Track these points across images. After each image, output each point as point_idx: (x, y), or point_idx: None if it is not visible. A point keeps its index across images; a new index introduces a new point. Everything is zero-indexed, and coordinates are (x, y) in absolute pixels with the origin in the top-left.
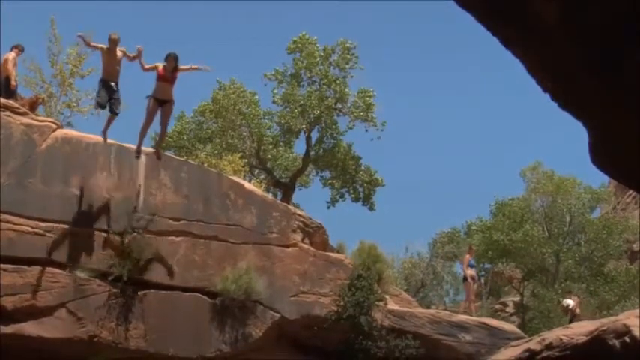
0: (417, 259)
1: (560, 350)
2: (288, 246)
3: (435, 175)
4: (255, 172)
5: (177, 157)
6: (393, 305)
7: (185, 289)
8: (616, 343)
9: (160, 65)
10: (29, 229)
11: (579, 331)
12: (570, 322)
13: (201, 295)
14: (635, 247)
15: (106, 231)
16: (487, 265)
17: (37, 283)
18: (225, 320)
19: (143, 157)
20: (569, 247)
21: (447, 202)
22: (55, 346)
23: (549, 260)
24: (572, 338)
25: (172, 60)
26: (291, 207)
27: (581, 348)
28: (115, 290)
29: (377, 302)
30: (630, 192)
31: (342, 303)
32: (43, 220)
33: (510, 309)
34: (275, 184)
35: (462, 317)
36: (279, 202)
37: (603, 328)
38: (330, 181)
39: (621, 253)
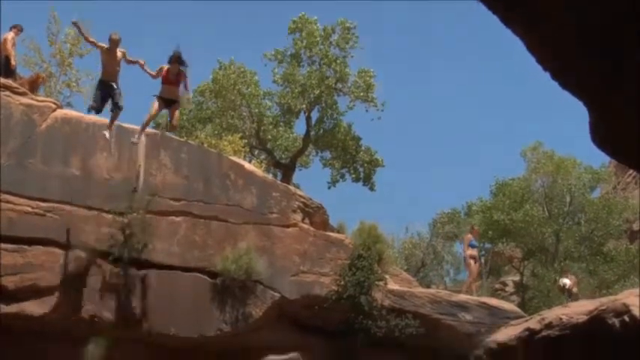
0: (418, 240)
1: (560, 329)
2: (288, 226)
3: (435, 155)
4: (256, 153)
5: (177, 138)
6: (393, 285)
7: (185, 269)
8: (615, 322)
9: (165, 67)
10: (29, 209)
11: (579, 310)
12: (567, 301)
13: (201, 275)
14: (635, 226)
15: (106, 211)
16: (487, 245)
17: (38, 263)
18: (226, 300)
19: (143, 137)
20: (569, 227)
21: (447, 183)
22: (57, 326)
23: (549, 240)
24: (572, 318)
25: (176, 62)
26: (291, 187)
27: (580, 327)
28: (115, 270)
29: (377, 282)
30: (631, 171)
31: (342, 283)
32: (44, 200)
33: (510, 288)
34: (275, 165)
35: (462, 297)
36: (279, 182)
37: (603, 307)
38: (330, 162)
39: (621, 233)
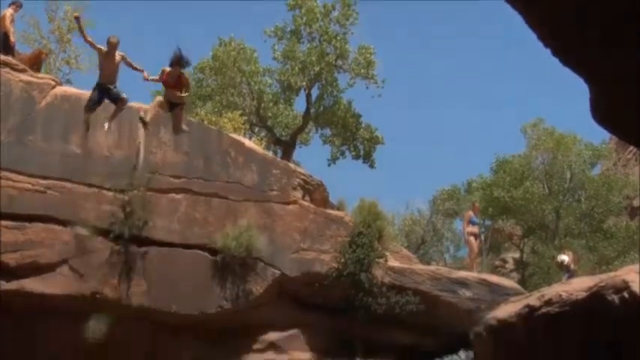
0: (418, 217)
1: (560, 306)
2: (288, 203)
3: (435, 132)
4: (256, 130)
5: None
6: (393, 262)
7: (186, 247)
8: (615, 298)
9: (167, 70)
10: (30, 186)
11: (578, 287)
12: (566, 277)
13: (202, 253)
14: (635, 203)
15: (106, 188)
16: (487, 222)
17: (39, 240)
18: (226, 277)
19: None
20: (570, 204)
21: (447, 160)
22: (57, 303)
23: (549, 217)
24: (572, 294)
25: (177, 65)
26: (291, 164)
27: (580, 304)
28: (116, 247)
29: (377, 259)
30: (631, 148)
31: (342, 260)
32: (44, 178)
33: (510, 265)
34: (275, 142)
35: (462, 274)
36: (279, 159)
37: (602, 284)
38: (330, 139)
39: (621, 210)
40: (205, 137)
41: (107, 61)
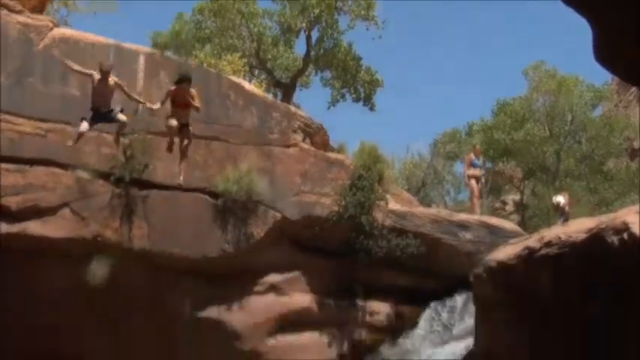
0: (418, 160)
1: (559, 248)
2: (288, 146)
3: (436, 74)
4: (255, 73)
5: (177, 58)
6: (394, 205)
7: (187, 190)
8: (614, 240)
9: (173, 89)
10: (30, 129)
11: (578, 228)
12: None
13: (203, 196)
14: (636, 144)
15: (107, 132)
16: (488, 165)
17: (40, 184)
18: (228, 220)
19: (142, 58)
20: (570, 146)
21: (448, 103)
22: (59, 246)
23: (550, 159)
24: (571, 236)
25: (184, 85)
26: (291, 107)
27: (579, 246)
28: (117, 191)
29: (378, 202)
30: (632, 90)
31: (343, 203)
32: (44, 121)
33: (510, 207)
34: (275, 85)
35: (463, 216)
36: (279, 102)
37: (602, 225)
38: (330, 82)
39: (622, 151)
40: (205, 80)
41: (100, 85)
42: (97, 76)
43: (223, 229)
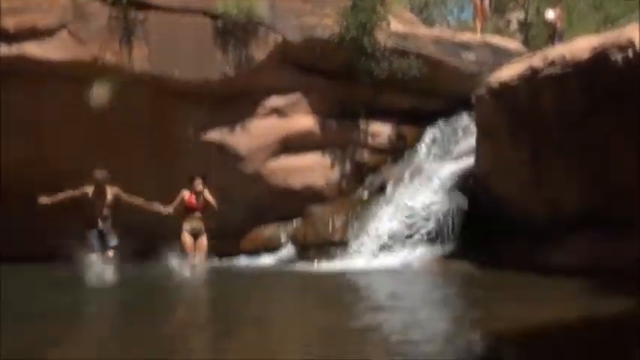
0: None
1: (562, 67)
2: None
3: None
4: None
5: None
6: (395, 26)
7: (186, 11)
8: (618, 58)
9: (186, 194)
10: None
11: (582, 46)
12: (551, 36)
13: (203, 17)
14: None
15: None
16: None
17: (36, 4)
18: (228, 43)
19: None
20: None
21: None
22: (59, 69)
23: None
24: (575, 55)
25: (198, 180)
26: None
27: (583, 65)
28: (115, 13)
29: (380, 23)
30: None
31: (344, 24)
32: None
33: (514, 26)
34: None
35: (465, 37)
36: None
37: (606, 44)
38: None
39: None
40: None
41: (95, 201)
42: (88, 191)
43: (224, 52)
